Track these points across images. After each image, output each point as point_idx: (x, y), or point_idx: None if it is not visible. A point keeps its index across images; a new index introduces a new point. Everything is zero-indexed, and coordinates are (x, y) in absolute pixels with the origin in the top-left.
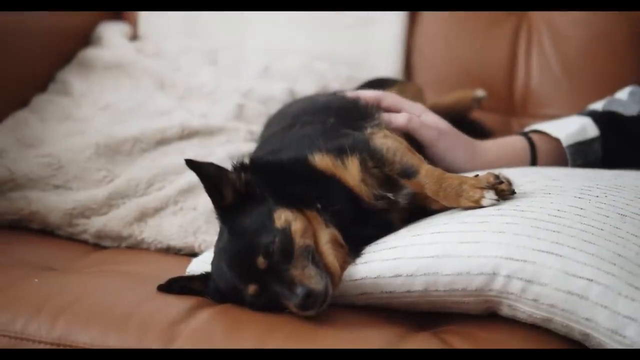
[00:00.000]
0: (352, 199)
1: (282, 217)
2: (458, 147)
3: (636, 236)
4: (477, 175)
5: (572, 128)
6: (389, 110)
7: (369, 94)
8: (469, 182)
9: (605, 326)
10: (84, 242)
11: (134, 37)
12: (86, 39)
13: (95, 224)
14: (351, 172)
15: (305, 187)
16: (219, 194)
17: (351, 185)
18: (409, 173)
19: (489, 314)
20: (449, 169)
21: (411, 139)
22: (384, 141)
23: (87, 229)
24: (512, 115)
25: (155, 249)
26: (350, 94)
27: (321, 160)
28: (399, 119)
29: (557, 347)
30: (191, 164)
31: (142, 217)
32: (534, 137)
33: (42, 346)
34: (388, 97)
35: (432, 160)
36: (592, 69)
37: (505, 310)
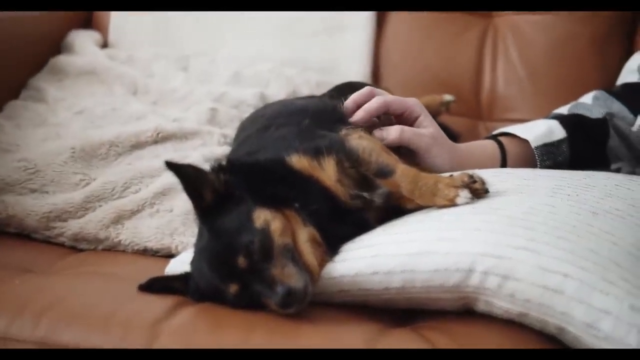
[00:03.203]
0: (329, 199)
1: (262, 217)
2: (446, 152)
3: (608, 233)
4: (451, 175)
5: (540, 130)
6: (395, 114)
7: (374, 105)
8: (443, 181)
9: (581, 320)
10: (61, 245)
11: (104, 45)
12: (57, 46)
13: (72, 227)
14: (328, 172)
15: (283, 187)
16: (199, 194)
17: (328, 185)
18: (385, 172)
19: (465, 310)
20: (431, 172)
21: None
22: (359, 142)
23: (64, 232)
24: (479, 119)
25: (132, 251)
26: (352, 100)
27: (298, 161)
28: (392, 134)
29: (532, 340)
30: (170, 165)
31: (119, 219)
32: (503, 139)
33: (26, 346)
34: (394, 102)
35: (421, 165)
36: (557, 74)
37: (481, 306)
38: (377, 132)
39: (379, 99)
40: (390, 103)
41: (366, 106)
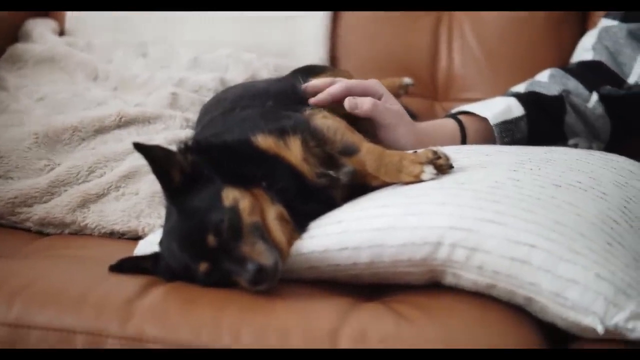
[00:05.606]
0: (295, 177)
1: (230, 196)
2: (410, 131)
3: (572, 204)
4: (415, 152)
5: (499, 108)
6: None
7: (337, 89)
8: (408, 157)
9: (548, 289)
10: (27, 230)
11: (61, 33)
12: (14, 35)
13: (38, 211)
14: (293, 151)
15: (251, 166)
16: (167, 175)
17: (294, 164)
18: (350, 151)
19: (431, 284)
20: (394, 149)
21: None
22: (324, 121)
23: (30, 217)
24: (436, 99)
25: (99, 234)
26: (312, 85)
27: (264, 141)
28: (365, 105)
29: (500, 311)
30: (138, 146)
31: (85, 203)
32: (462, 117)
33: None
34: (356, 87)
35: (384, 142)
36: (513, 54)
37: (449, 279)
38: (350, 100)
39: (342, 84)
40: (352, 87)
41: (330, 89)
